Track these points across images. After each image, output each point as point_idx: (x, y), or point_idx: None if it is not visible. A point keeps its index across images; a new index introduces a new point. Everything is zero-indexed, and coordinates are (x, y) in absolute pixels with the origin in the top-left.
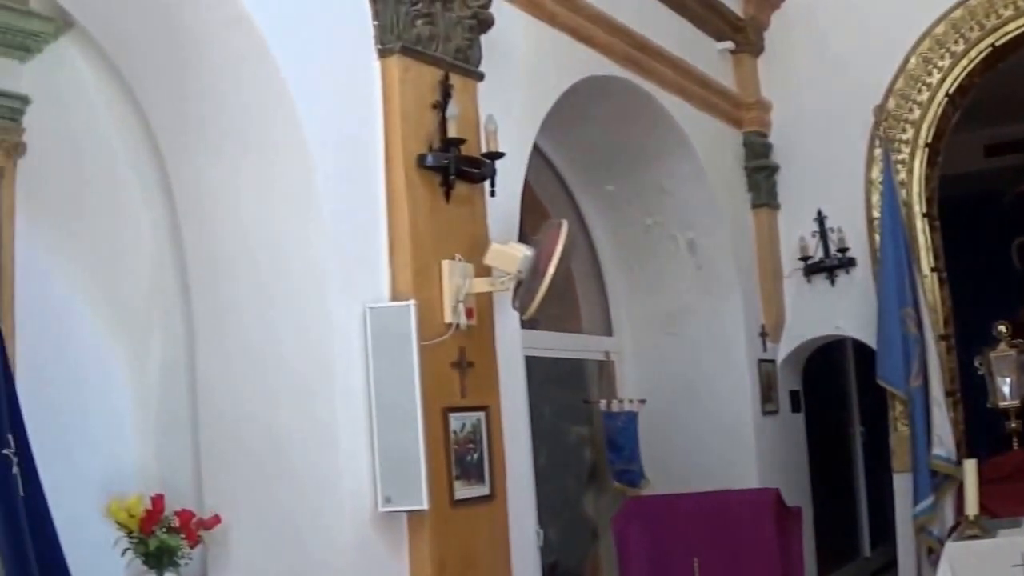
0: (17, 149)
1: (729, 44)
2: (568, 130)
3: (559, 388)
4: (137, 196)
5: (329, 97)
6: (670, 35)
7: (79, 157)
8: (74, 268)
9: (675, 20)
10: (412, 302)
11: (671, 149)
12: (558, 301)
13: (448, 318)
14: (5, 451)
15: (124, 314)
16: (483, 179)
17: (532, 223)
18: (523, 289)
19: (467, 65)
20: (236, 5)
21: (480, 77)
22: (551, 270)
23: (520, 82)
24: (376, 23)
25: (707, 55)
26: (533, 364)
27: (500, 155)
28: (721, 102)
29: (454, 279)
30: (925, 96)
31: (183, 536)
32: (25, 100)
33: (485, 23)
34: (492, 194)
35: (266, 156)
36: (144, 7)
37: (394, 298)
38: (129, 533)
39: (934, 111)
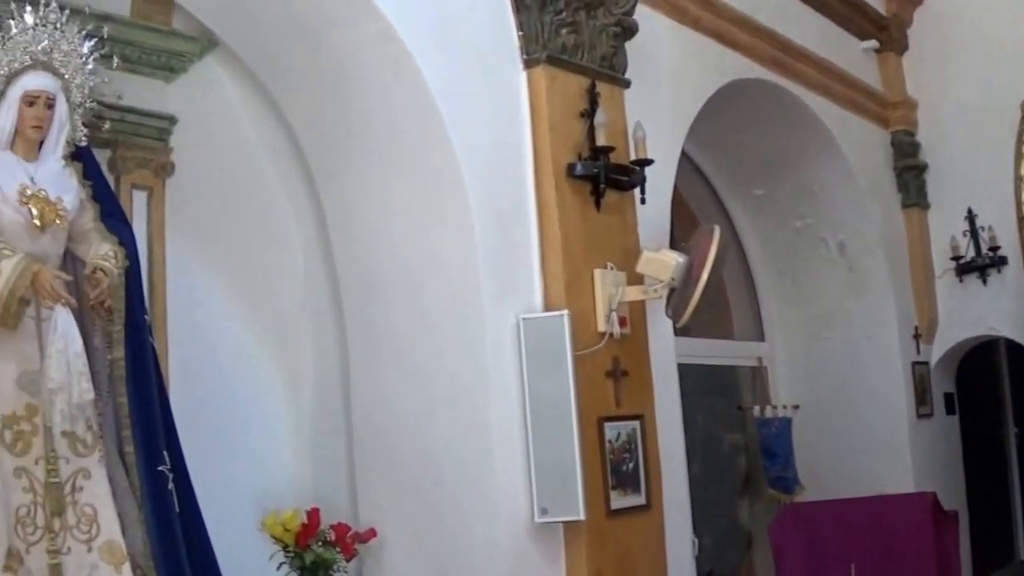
0: (165, 169)
1: (873, 43)
2: (715, 135)
3: (712, 395)
4: (287, 212)
5: (476, 109)
6: (813, 35)
7: (227, 175)
8: (225, 285)
9: (818, 20)
10: (565, 312)
11: (819, 150)
12: (710, 307)
13: (602, 327)
14: (160, 468)
15: (277, 329)
16: (633, 187)
17: (682, 230)
18: (676, 296)
19: (613, 72)
20: (381, 21)
21: (626, 84)
22: (704, 277)
23: (666, 88)
24: (521, 34)
25: (851, 54)
26: (685, 371)
27: (649, 162)
28: (867, 102)
29: (607, 288)
30: None
31: (339, 549)
32: (172, 120)
33: (629, 30)
34: (643, 201)
35: (416, 170)
36: (289, 25)
37: (547, 308)
38: (285, 547)
39: None
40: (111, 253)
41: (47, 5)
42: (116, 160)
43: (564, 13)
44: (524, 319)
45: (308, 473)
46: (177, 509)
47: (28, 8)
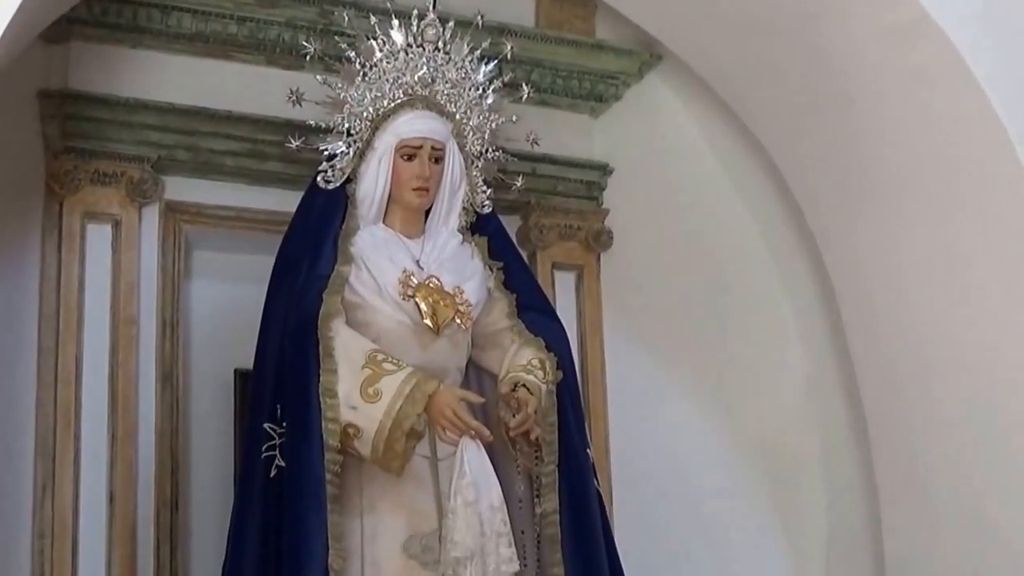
0: (599, 239)
1: None
2: None
3: None
4: (774, 283)
5: None
6: None
7: (683, 240)
8: (690, 393)
9: None
10: None
11: None
12: None
13: None
14: None
15: (767, 452)
16: None
17: None
18: None
19: None
20: (911, 7)
21: None
22: None
23: None
24: None
25: None
26: None
27: None
28: None
29: None
30: None
31: None
32: (604, 170)
33: None
34: None
35: (972, 211)
36: (768, 21)
37: None
38: None
39: None
40: (537, 363)
41: (422, 18)
42: (530, 230)
43: None
44: None
45: None
46: None
47: (395, 22)
